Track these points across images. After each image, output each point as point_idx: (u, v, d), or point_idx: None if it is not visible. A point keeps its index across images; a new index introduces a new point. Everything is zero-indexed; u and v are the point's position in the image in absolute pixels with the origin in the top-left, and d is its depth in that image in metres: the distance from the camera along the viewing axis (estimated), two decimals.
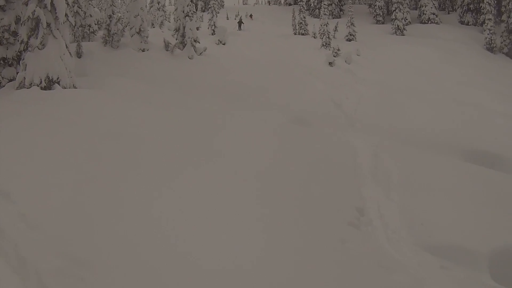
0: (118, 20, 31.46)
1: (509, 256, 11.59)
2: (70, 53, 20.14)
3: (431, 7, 57.66)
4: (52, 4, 18.96)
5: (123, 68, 25.77)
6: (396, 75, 33.77)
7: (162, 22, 59.18)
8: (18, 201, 9.69)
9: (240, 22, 54.54)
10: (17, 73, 19.96)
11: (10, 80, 20.49)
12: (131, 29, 30.44)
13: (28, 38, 19.21)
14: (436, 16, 57.71)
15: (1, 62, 20.75)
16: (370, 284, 9.11)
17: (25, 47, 19.34)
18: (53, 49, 19.17)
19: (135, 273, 8.02)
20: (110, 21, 29.47)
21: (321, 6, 55.67)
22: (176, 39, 31.81)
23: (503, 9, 49.51)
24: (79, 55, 26.98)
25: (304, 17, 52.25)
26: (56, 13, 19.13)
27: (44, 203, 9.70)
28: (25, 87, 18.65)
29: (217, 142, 15.27)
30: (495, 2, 50.65)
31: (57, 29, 19.45)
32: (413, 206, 13.32)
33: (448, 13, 62.81)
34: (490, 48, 48.01)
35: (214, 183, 12.20)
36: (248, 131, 17.21)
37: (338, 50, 38.82)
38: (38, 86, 18.53)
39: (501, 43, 48.62)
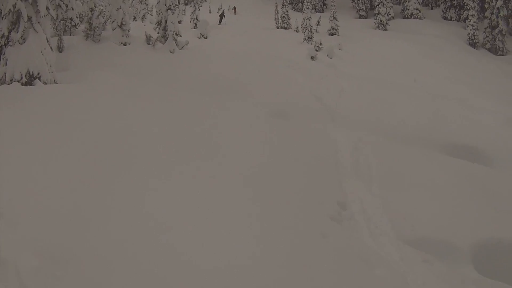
0: (100, 13, 31.19)
1: (492, 247, 11.68)
2: (51, 47, 19.95)
3: (415, 3, 57.87)
4: None
5: (104, 62, 25.61)
6: (378, 69, 33.85)
7: (144, 15, 58.88)
8: None
9: (221, 16, 54.09)
10: None
11: None
12: (112, 22, 30.20)
13: (9, 32, 19.00)
14: (419, 11, 57.91)
15: None
16: (352, 279, 9.12)
17: (5, 41, 19.14)
18: (34, 44, 18.98)
19: (120, 271, 8.00)
20: (92, 14, 29.25)
21: (304, 0, 55.70)
22: (158, 33, 31.65)
23: (486, 5, 49.89)
24: (60, 49, 26.77)
25: (287, 11, 52.23)
26: (37, 6, 18.96)
27: (24, 202, 9.61)
28: (5, 83, 18.46)
29: (202, 137, 15.25)
30: None
31: (38, 22, 19.25)
32: (395, 200, 13.36)
33: (432, 9, 63.11)
34: (473, 43, 48.31)
35: (201, 181, 12.20)
36: (230, 124, 17.16)
37: (321, 44, 38.86)
38: (19, 82, 18.35)
39: (484, 38, 48.99)
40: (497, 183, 15.35)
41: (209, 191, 11.59)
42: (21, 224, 8.79)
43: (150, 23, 47.17)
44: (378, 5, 54.54)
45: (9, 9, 18.48)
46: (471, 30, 48.47)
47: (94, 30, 29.22)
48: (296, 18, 50.66)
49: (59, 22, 31.44)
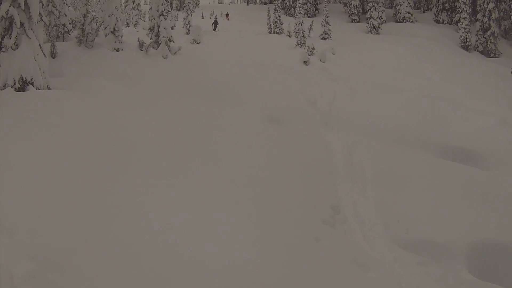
0: (93, 19, 31.12)
1: (487, 250, 11.71)
2: (44, 53, 19.94)
3: (406, 6, 57.86)
4: (26, 3, 18.78)
5: (97, 68, 25.60)
6: (371, 73, 33.83)
7: (137, 21, 58.76)
8: None
9: (215, 23, 53.88)
10: None
11: None
12: (105, 28, 30.20)
13: (2, 38, 19.00)
14: (411, 15, 57.90)
15: None
16: (345, 282, 9.13)
17: None
18: (27, 50, 18.98)
19: (121, 273, 8.02)
20: (85, 20, 29.23)
21: (296, 5, 55.67)
22: (151, 39, 31.64)
23: (478, 8, 49.97)
24: (53, 55, 26.73)
25: (279, 16, 52.12)
26: (30, 12, 18.95)
27: (19, 207, 9.58)
28: None
29: (197, 142, 15.29)
30: (470, 1, 51.06)
31: (31, 28, 19.25)
32: (389, 203, 13.39)
33: (424, 12, 63.11)
34: (465, 46, 48.34)
35: (198, 184, 12.24)
36: (225, 130, 17.20)
37: (313, 48, 38.84)
38: (12, 87, 18.34)
39: (476, 41, 49.02)
40: (490, 184, 15.38)
41: (207, 194, 11.64)
42: (16, 229, 8.76)
43: (143, 29, 47.06)
44: (370, 9, 54.50)
45: (2, 16, 18.48)
46: (463, 32, 48.50)
47: (87, 36, 29.18)
48: (288, 23, 50.59)
49: (52, 28, 31.42)
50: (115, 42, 29.88)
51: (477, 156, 19.49)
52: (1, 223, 8.90)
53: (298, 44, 41.82)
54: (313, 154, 16.72)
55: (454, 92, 28.90)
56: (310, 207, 12.38)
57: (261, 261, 9.08)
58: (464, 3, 49.46)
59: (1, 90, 18.24)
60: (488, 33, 48.32)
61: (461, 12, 49.72)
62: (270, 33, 52.04)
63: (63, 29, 32.46)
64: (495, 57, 47.58)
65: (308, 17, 64.57)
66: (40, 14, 19.43)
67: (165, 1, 31.29)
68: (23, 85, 18.60)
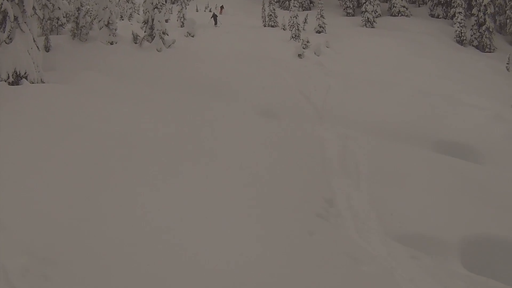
0: (87, 12, 31.00)
1: (481, 244, 11.75)
2: (37, 47, 19.90)
3: (402, 0, 57.85)
4: None
5: (91, 61, 25.53)
6: (365, 67, 33.82)
7: (131, 14, 58.50)
8: None
9: (214, 16, 53.17)
10: None
11: None
12: (99, 21, 30.07)
13: None
14: (407, 9, 57.82)
15: None
16: (339, 276, 9.15)
17: None
18: (21, 43, 18.92)
19: (117, 270, 8.02)
20: (79, 13, 29.13)
21: None
22: (145, 32, 31.51)
23: (473, 3, 50.03)
24: (47, 48, 26.66)
25: (274, 9, 51.94)
26: (23, 6, 18.88)
27: (14, 204, 9.59)
28: None
29: (193, 138, 15.27)
30: None
31: (25, 22, 19.19)
32: (383, 196, 13.41)
33: (419, 6, 63.04)
34: (460, 41, 48.35)
35: (195, 180, 12.25)
36: (220, 124, 17.20)
37: (308, 42, 38.78)
38: (5, 81, 18.29)
39: (471, 36, 49.05)
40: (486, 179, 15.44)
41: (203, 190, 11.65)
42: (11, 226, 8.77)
43: (137, 22, 46.83)
44: (365, 3, 54.39)
45: None
46: (458, 27, 48.50)
47: (81, 30, 29.10)
48: (283, 16, 50.41)
49: (46, 21, 31.30)
50: (109, 35, 29.77)
51: (472, 150, 19.55)
52: None
53: (292, 37, 41.72)
54: (307, 148, 16.72)
55: (449, 86, 28.95)
56: (304, 201, 12.39)
57: (253, 256, 9.08)
58: None
59: None
60: (483, 27, 48.39)
61: (456, 6, 49.75)
62: (265, 26, 51.85)
63: (57, 22, 32.31)
64: (490, 52, 47.65)
65: (303, 10, 64.42)
66: (34, 8, 19.37)
67: None
68: (16, 79, 18.54)
